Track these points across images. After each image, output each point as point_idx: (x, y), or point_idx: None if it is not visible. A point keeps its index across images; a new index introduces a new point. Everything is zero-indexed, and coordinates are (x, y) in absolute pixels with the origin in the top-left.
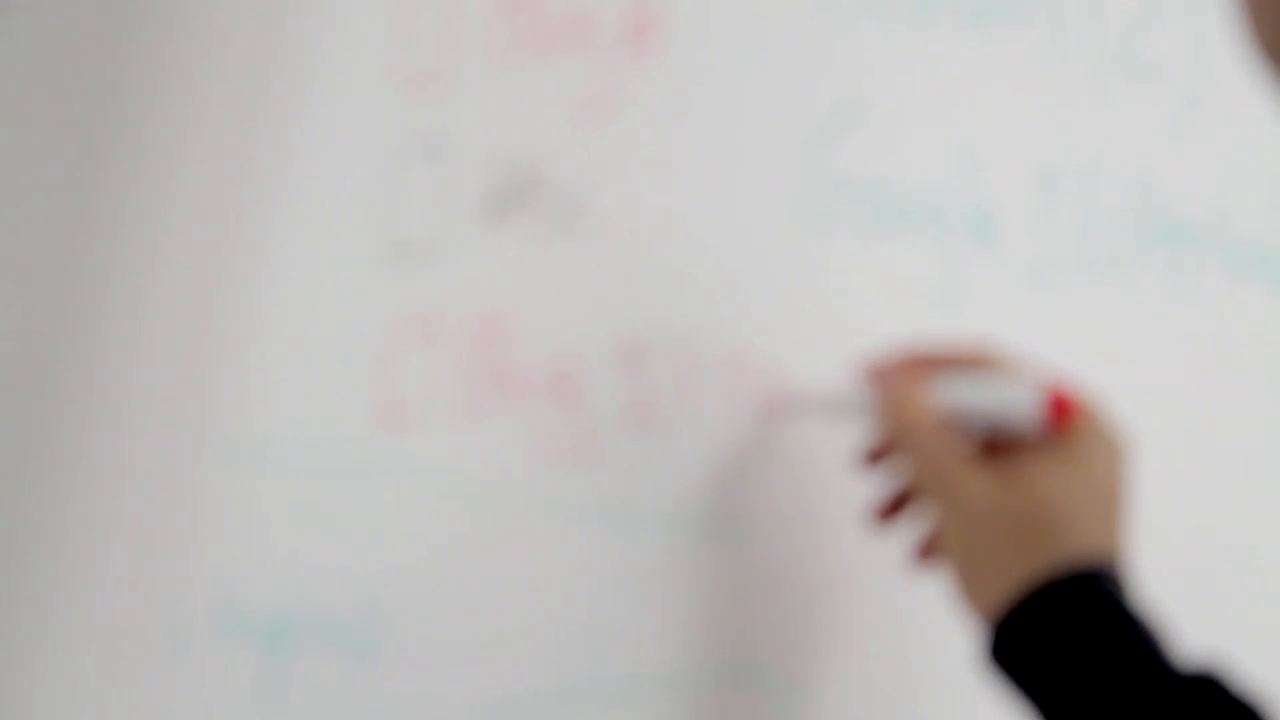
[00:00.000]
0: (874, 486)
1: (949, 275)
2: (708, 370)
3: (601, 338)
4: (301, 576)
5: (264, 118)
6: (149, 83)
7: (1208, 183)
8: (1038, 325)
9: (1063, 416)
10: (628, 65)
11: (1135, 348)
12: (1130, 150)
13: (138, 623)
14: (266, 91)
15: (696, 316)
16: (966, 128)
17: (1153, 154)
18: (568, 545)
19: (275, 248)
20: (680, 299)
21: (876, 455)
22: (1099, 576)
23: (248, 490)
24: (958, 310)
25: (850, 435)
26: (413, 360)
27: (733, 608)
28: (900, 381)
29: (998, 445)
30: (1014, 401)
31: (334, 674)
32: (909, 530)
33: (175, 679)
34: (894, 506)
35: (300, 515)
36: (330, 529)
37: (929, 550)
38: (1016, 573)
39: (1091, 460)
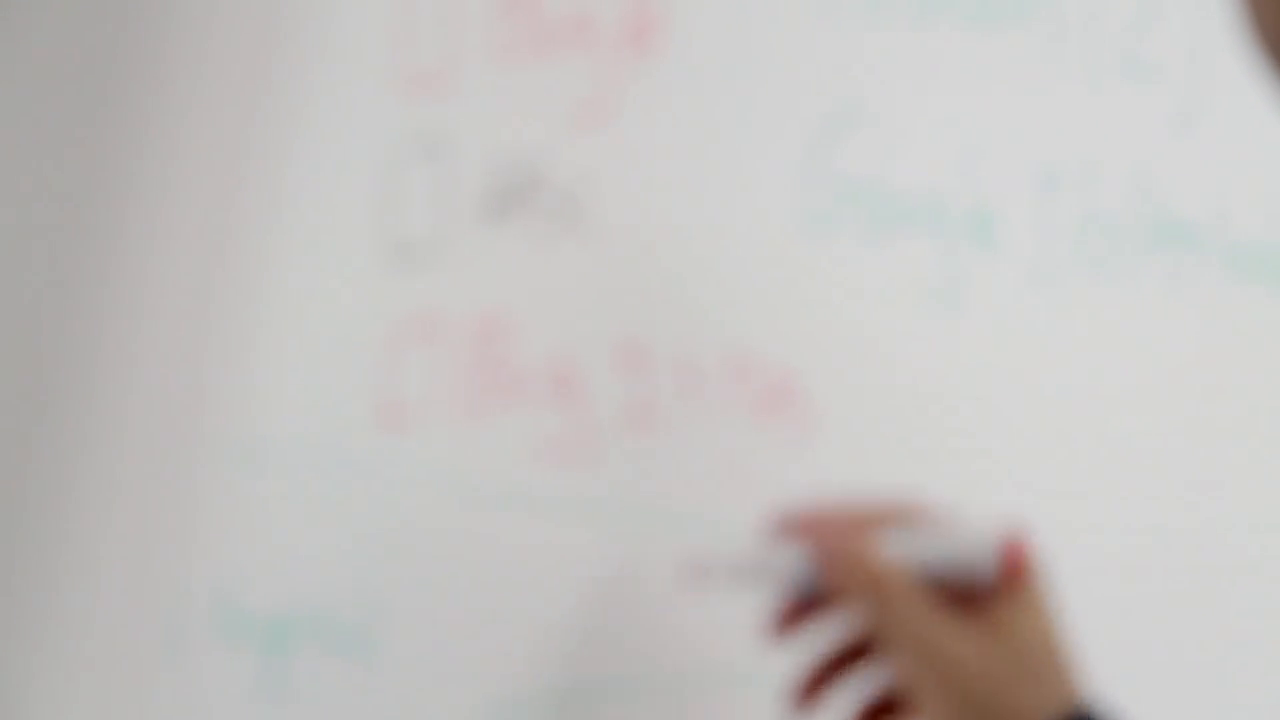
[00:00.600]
0: (800, 650)
1: (949, 275)
2: (708, 370)
3: (601, 338)
4: (301, 576)
5: (264, 118)
6: (149, 83)
7: (1208, 183)
8: (1038, 325)
9: (1018, 563)
10: (628, 65)
11: (1135, 348)
12: (1130, 150)
13: (138, 623)
14: (267, 92)
15: (696, 316)
16: (966, 128)
17: (1153, 154)
18: (567, 545)
19: (276, 248)
20: (680, 299)
21: (798, 615)
22: (1101, 713)
23: (248, 490)
24: (958, 310)
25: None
26: (413, 360)
27: (734, 608)
28: (850, 538)
29: (953, 597)
30: (973, 552)
31: (334, 674)
32: (850, 689)
33: (175, 679)
34: (835, 666)
35: (300, 515)
36: (330, 529)
37: (889, 707)
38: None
39: (1046, 599)
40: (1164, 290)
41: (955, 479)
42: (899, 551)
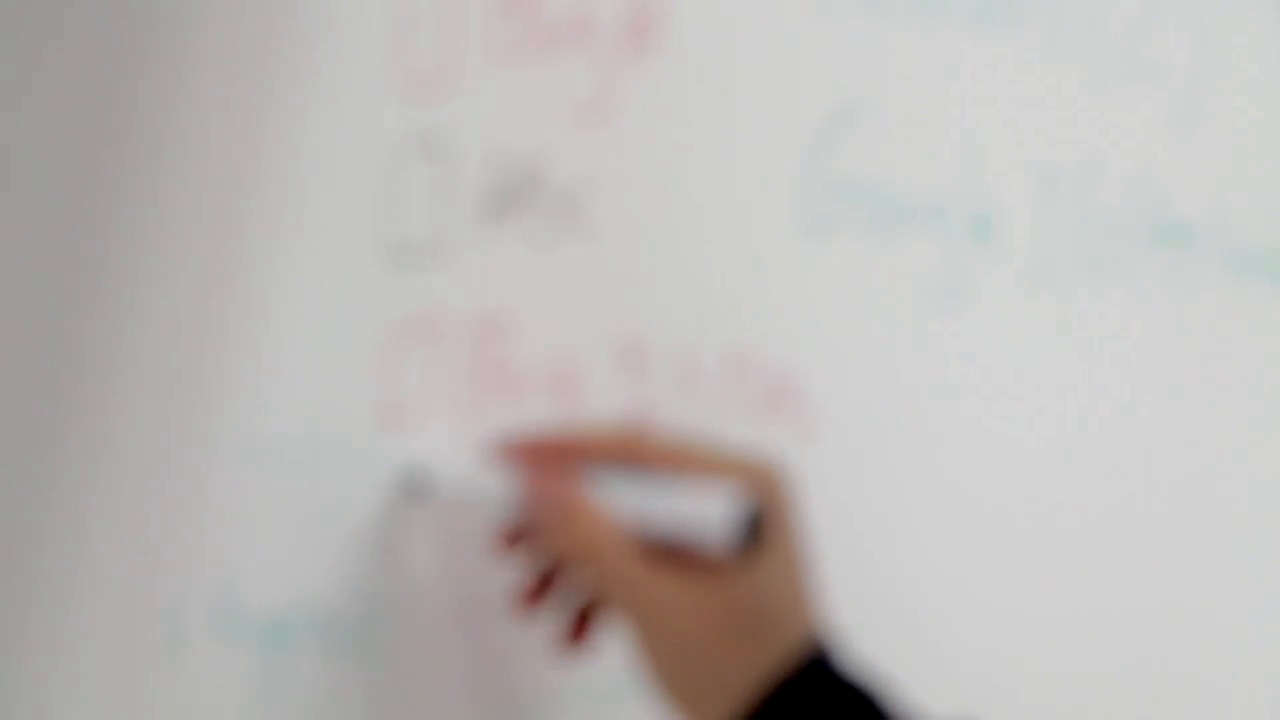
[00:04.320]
0: (518, 569)
1: (949, 275)
2: (708, 370)
3: (601, 338)
4: (301, 576)
5: (264, 118)
6: (148, 82)
7: (1208, 183)
8: (1038, 325)
9: (755, 529)
10: (628, 65)
11: (1135, 348)
12: (1130, 150)
13: (138, 623)
14: (266, 91)
15: (696, 316)
16: (966, 128)
17: (1153, 154)
18: None
19: (275, 248)
20: (680, 299)
21: (515, 538)
22: (824, 659)
23: (248, 490)
24: (958, 310)
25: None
26: (413, 360)
27: None
28: (563, 488)
29: (675, 551)
30: (703, 520)
31: (334, 674)
32: (556, 612)
33: (175, 679)
34: (540, 589)
35: (300, 515)
36: (331, 529)
37: (583, 629)
38: (742, 681)
39: (778, 545)
40: (1164, 290)
41: (955, 479)
42: (617, 499)
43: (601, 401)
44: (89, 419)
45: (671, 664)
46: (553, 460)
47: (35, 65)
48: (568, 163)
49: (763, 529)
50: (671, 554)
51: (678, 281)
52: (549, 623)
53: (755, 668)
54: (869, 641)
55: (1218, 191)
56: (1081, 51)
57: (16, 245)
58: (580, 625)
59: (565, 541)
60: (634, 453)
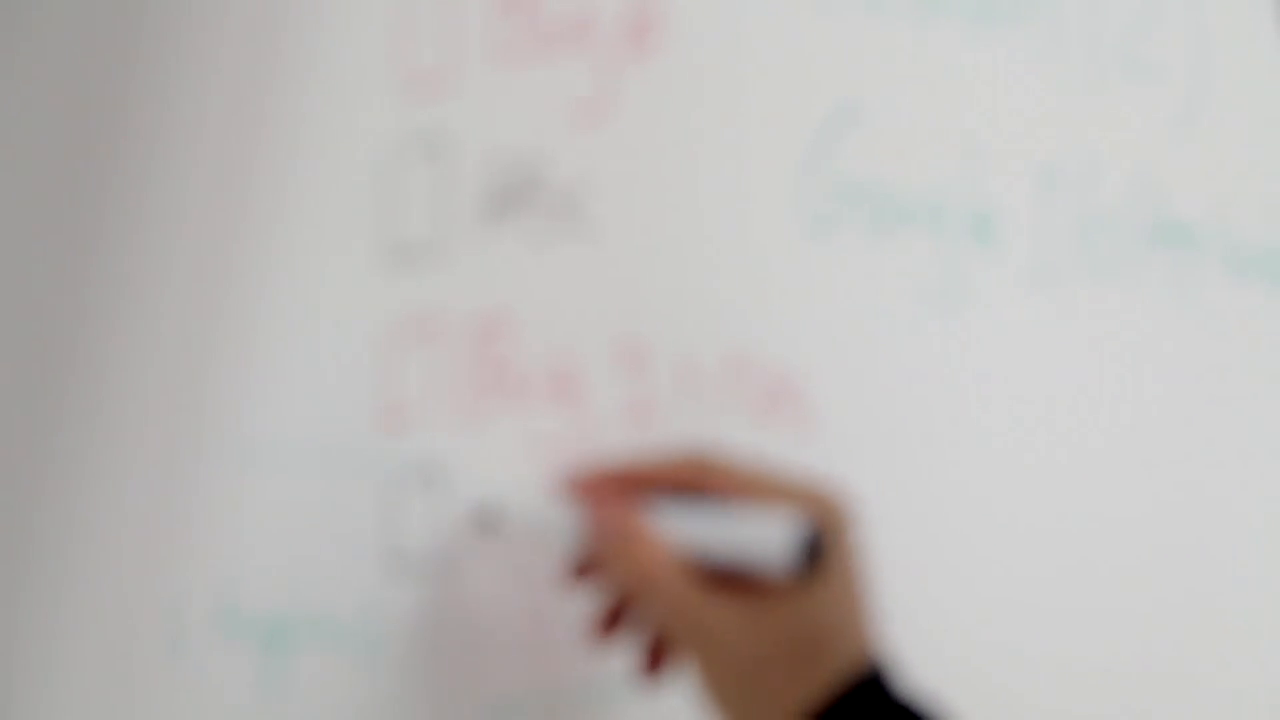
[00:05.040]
0: (590, 599)
1: (949, 275)
2: (708, 370)
3: (601, 338)
4: (301, 576)
5: (263, 117)
6: (148, 82)
7: (1208, 183)
8: (1038, 325)
9: (814, 554)
10: (628, 65)
11: (1135, 348)
12: (1130, 150)
13: (138, 623)
14: (266, 91)
15: (696, 316)
16: (966, 128)
17: (1153, 154)
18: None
19: (275, 248)
20: (680, 299)
21: (585, 570)
22: (877, 681)
23: (248, 490)
24: (958, 310)
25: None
26: (413, 360)
27: None
28: (621, 518)
29: (735, 578)
30: (763, 546)
31: (334, 674)
32: (631, 642)
33: (175, 679)
34: (612, 620)
35: (300, 515)
36: (330, 529)
37: (657, 659)
38: (794, 703)
39: (837, 571)
40: (1164, 290)
41: (955, 479)
42: (676, 526)
43: (602, 401)
44: (89, 420)
45: (726, 686)
46: (616, 491)
47: (33, 65)
48: (568, 163)
49: (822, 555)
50: (730, 579)
51: (678, 281)
52: (625, 653)
53: (808, 689)
54: None
55: (1218, 191)
56: (1081, 51)
57: (15, 246)
58: (655, 655)
59: (622, 571)
60: (698, 480)
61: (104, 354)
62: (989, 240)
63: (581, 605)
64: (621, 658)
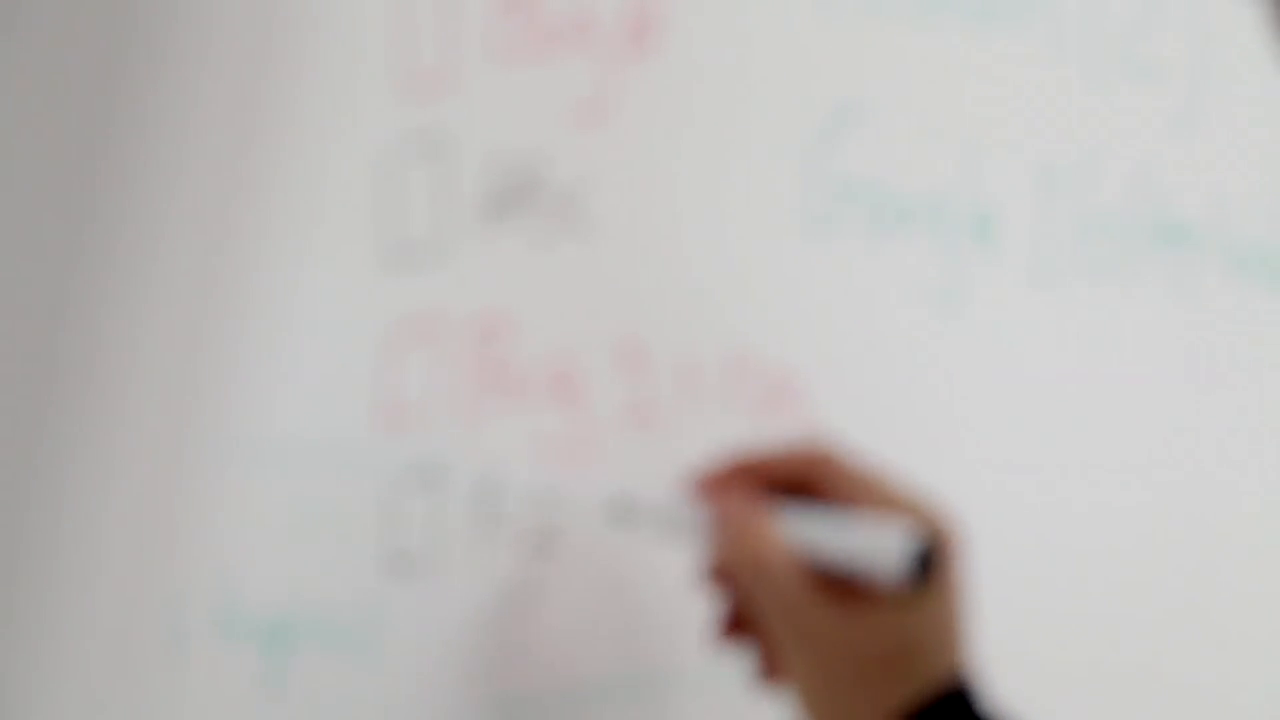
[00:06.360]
0: (714, 603)
1: (949, 275)
2: (708, 370)
3: (601, 338)
4: (301, 576)
5: (264, 117)
6: (148, 82)
7: (1208, 183)
8: (1038, 325)
9: (921, 568)
10: (628, 65)
11: (1135, 348)
12: (1130, 150)
13: (138, 623)
14: (266, 91)
15: (696, 316)
16: (966, 127)
17: (1153, 154)
18: (567, 545)
19: (275, 248)
20: (680, 299)
21: (718, 576)
22: (961, 696)
23: (248, 490)
24: (958, 310)
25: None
26: (413, 360)
27: None
28: (746, 512)
29: (844, 583)
30: (877, 554)
31: (334, 674)
32: (751, 648)
33: (175, 679)
34: (735, 625)
35: (300, 515)
36: (330, 529)
37: (772, 670)
38: (882, 710)
39: (941, 588)
40: (1164, 290)
41: (955, 479)
42: (798, 534)
43: (602, 402)
44: (89, 420)
45: (818, 686)
46: (740, 486)
47: (33, 65)
48: (567, 163)
49: (932, 569)
50: (837, 583)
51: (678, 281)
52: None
53: (896, 698)
54: None
55: (1218, 191)
56: (1081, 51)
57: (15, 246)
58: (771, 660)
59: (736, 555)
60: (816, 475)
61: (104, 354)
62: (989, 240)
63: (581, 605)
64: (622, 658)
